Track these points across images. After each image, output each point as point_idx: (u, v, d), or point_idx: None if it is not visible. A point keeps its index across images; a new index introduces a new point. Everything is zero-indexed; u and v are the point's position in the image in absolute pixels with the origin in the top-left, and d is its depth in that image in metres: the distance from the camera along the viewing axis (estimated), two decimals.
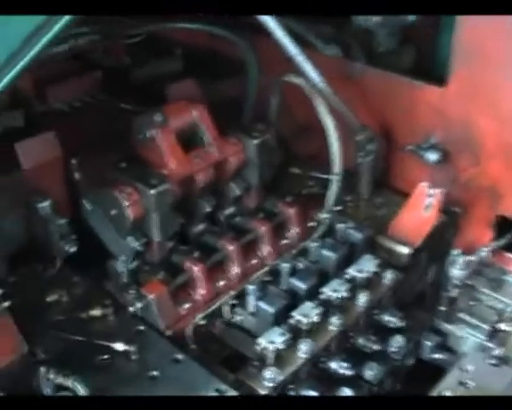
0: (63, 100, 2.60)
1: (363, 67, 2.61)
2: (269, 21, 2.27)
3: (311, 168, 2.74)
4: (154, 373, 1.89)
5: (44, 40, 1.63)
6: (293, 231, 2.41)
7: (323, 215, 2.39)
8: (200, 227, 2.36)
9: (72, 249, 2.22)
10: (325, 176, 2.54)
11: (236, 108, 2.75)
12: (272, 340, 1.93)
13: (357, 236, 2.32)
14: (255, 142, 2.36)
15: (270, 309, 2.06)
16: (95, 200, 2.20)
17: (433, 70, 2.63)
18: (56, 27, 1.62)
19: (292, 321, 2.02)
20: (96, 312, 2.06)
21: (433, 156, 2.44)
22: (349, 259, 2.26)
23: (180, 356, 1.94)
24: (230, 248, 2.23)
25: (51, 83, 2.59)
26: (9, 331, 1.94)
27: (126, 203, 2.09)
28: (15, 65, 1.64)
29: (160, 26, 2.85)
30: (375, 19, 2.51)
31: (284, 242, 2.39)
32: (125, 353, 1.93)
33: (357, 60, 2.63)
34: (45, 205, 2.21)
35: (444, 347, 2.32)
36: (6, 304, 1.95)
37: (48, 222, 2.20)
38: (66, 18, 1.61)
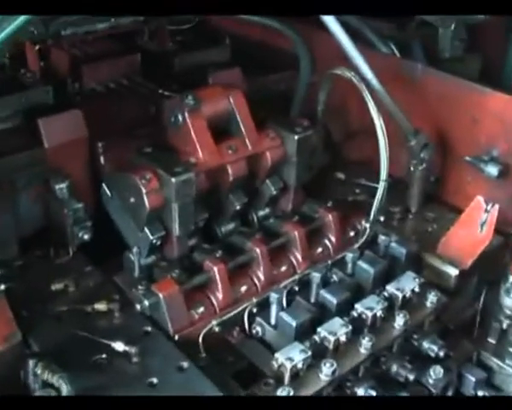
0: (98, 80, 2.42)
1: (422, 68, 2.36)
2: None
3: (359, 174, 2.53)
4: (154, 380, 1.67)
5: None
6: (331, 239, 2.17)
7: (365, 225, 2.13)
8: (228, 226, 2.15)
9: (87, 236, 2.05)
10: (371, 184, 2.31)
11: (285, 103, 2.56)
12: (291, 357, 1.69)
13: (400, 250, 2.07)
14: (296, 137, 2.12)
15: (292, 322, 1.81)
16: (114, 185, 2.01)
17: (500, 77, 2.35)
18: None
19: (317, 338, 1.77)
20: (102, 306, 1.87)
21: (493, 170, 2.17)
22: (389, 275, 2.02)
23: (185, 364, 1.71)
24: (257, 250, 2.00)
25: (87, 62, 2.42)
26: (3, 318, 1.75)
27: (144, 190, 1.87)
28: None
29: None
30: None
31: (319, 250, 2.16)
32: (125, 354, 1.72)
33: (416, 60, 2.38)
34: (63, 186, 2.04)
35: (489, 384, 2.01)
36: (2, 287, 1.76)
37: (63, 205, 2.03)
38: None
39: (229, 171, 2.03)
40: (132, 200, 1.92)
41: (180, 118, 1.99)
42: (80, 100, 2.34)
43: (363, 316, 1.85)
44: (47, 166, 2.06)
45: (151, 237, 1.93)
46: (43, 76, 2.32)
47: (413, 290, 1.94)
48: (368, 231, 2.13)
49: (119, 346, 1.73)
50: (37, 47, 2.35)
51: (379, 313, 1.86)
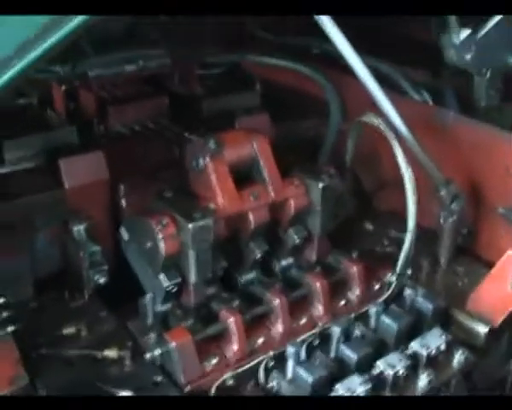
0: (124, 122, 2.38)
1: (454, 116, 2.28)
2: (351, 58, 1.99)
3: (389, 225, 2.46)
4: None
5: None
6: (355, 291, 2.09)
7: (391, 278, 2.04)
8: (249, 275, 2.07)
9: (102, 280, 2.00)
10: (400, 235, 2.19)
11: (313, 150, 2.51)
12: None
13: (426, 305, 1.98)
14: (320, 185, 2.05)
15: (308, 377, 1.72)
16: (132, 229, 1.96)
17: None
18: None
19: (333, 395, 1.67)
20: (112, 353, 1.81)
21: None
22: (414, 331, 1.93)
23: None
24: (276, 301, 1.92)
25: (114, 104, 2.39)
26: (10, 359, 1.71)
27: (160, 235, 1.82)
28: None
29: (241, 58, 2.66)
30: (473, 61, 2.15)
31: (342, 303, 2.08)
32: None
33: (449, 107, 2.30)
34: (80, 228, 2.02)
35: None
36: (10, 329, 1.72)
37: (80, 247, 2.00)
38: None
39: (250, 218, 1.97)
40: (149, 245, 1.86)
41: (201, 162, 1.94)
42: (105, 141, 2.32)
43: (384, 374, 1.76)
44: (66, 208, 2.03)
45: (166, 284, 1.87)
46: (69, 117, 2.32)
47: (439, 348, 1.84)
48: (394, 284, 2.04)
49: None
50: (63, 87, 2.33)
51: (401, 372, 1.76)
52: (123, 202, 2.13)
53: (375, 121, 2.07)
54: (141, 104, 2.42)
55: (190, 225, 1.80)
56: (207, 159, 1.93)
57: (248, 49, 2.70)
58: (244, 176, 2.01)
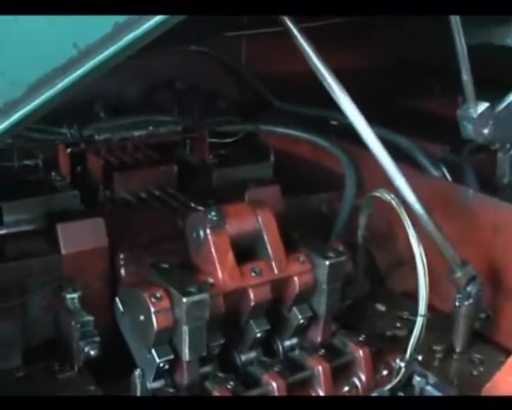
0: (130, 189, 2.36)
1: (474, 194, 2.19)
2: (364, 131, 1.93)
3: (402, 307, 2.35)
4: None
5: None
6: (360, 377, 1.98)
7: (400, 364, 1.92)
8: (249, 354, 1.98)
9: (93, 352, 1.91)
10: (414, 318, 2.07)
11: (325, 226, 2.44)
12: None
13: (437, 395, 1.84)
14: (327, 263, 1.96)
15: None
16: (126, 300, 1.88)
17: None
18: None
19: None
20: None
21: None
22: None
23: None
24: (273, 384, 1.82)
25: (120, 169, 2.37)
26: None
27: (153, 309, 1.74)
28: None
29: (256, 128, 2.62)
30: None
31: (346, 389, 1.97)
32: None
33: (468, 185, 2.22)
34: (74, 297, 1.94)
35: None
36: None
37: (72, 316, 1.92)
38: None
39: (251, 295, 1.88)
40: (141, 318, 1.78)
41: (202, 234, 1.87)
42: (108, 208, 2.28)
43: None
44: (61, 274, 1.98)
45: (158, 360, 1.78)
46: (73, 180, 2.29)
47: None
48: (402, 370, 1.92)
49: None
50: (69, 150, 2.29)
51: None
52: (122, 272, 2.06)
53: (387, 197, 1.99)
54: (148, 171, 2.39)
55: (184, 300, 1.72)
56: (208, 231, 1.86)
57: (264, 119, 2.68)
58: (246, 250, 1.93)
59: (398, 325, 2.27)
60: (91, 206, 2.24)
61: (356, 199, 2.42)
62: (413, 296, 2.28)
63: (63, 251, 1.99)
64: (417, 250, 1.91)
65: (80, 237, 2.01)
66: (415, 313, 2.15)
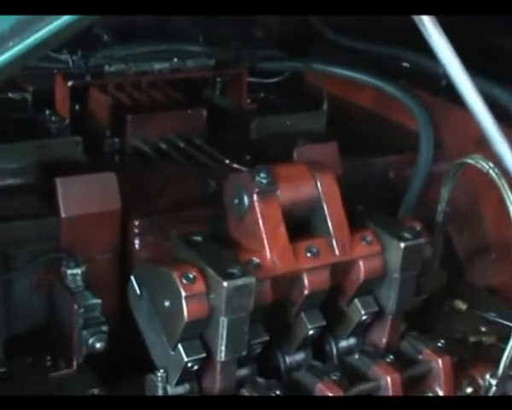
0: (146, 138, 2.37)
1: None
2: (459, 75, 1.93)
3: (488, 307, 2.40)
4: None
5: None
6: (438, 393, 2.02)
7: (490, 380, 1.96)
8: (296, 356, 2.03)
9: (99, 345, 1.94)
10: (505, 322, 2.23)
11: (392, 197, 2.49)
12: None
13: None
14: (402, 245, 1.99)
15: None
16: (146, 281, 1.90)
17: None
18: None
19: None
20: None
21: None
22: None
23: None
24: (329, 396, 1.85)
25: (134, 111, 2.38)
26: None
27: (184, 293, 1.76)
28: None
29: (306, 67, 2.63)
30: None
31: None
32: None
33: None
34: (77, 273, 1.97)
35: None
36: None
37: (74, 297, 1.95)
38: None
39: (305, 281, 1.91)
40: (167, 304, 1.81)
41: (246, 201, 1.90)
42: (119, 160, 2.30)
43: None
44: (60, 243, 2.02)
45: (186, 359, 1.81)
46: (74, 123, 2.30)
47: None
48: (493, 389, 1.97)
49: None
50: (70, 83, 2.30)
51: None
52: (136, 243, 2.11)
53: (485, 166, 2.01)
54: (170, 116, 2.41)
55: (225, 284, 1.74)
56: (255, 197, 1.88)
57: (316, 55, 2.68)
58: (301, 224, 1.97)
59: (484, 329, 2.31)
60: (96, 157, 2.26)
61: (433, 165, 2.43)
62: (501, 293, 2.37)
63: (63, 214, 2.01)
64: None
65: (85, 197, 2.03)
66: (505, 314, 2.23)
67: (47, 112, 2.29)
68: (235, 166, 2.25)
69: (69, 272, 1.95)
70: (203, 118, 2.43)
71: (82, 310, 1.92)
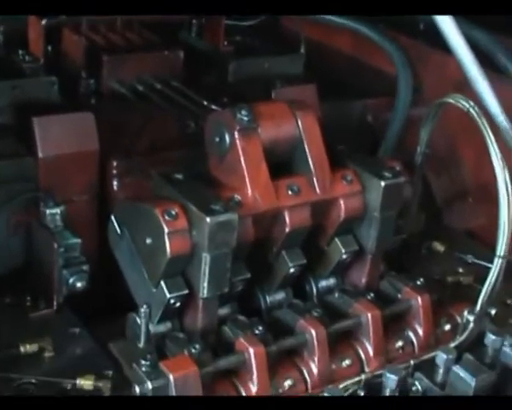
0: (122, 79, 2.39)
1: None
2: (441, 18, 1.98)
3: (465, 249, 2.45)
4: None
5: None
6: (417, 331, 2.07)
7: (468, 317, 2.01)
8: (277, 295, 2.07)
9: (80, 285, 1.97)
10: (482, 262, 2.26)
11: (370, 140, 2.54)
12: None
13: None
14: (382, 184, 2.02)
15: None
16: (127, 220, 1.93)
17: None
18: None
19: None
20: (87, 383, 1.77)
21: None
22: (497, 392, 1.91)
23: None
24: (312, 332, 1.89)
25: (110, 53, 2.40)
26: None
27: (167, 229, 1.78)
28: None
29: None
30: None
31: (399, 344, 2.06)
32: None
33: None
34: (56, 212, 1.99)
35: None
36: None
37: (54, 237, 1.97)
38: None
39: (287, 219, 1.95)
40: (148, 241, 1.84)
41: (228, 139, 1.92)
42: (95, 102, 2.31)
43: None
44: (38, 184, 2.03)
45: (168, 296, 1.84)
46: (48, 63, 2.30)
47: None
48: (471, 325, 2.02)
49: None
50: (43, 22, 2.30)
51: None
52: (114, 185, 2.13)
53: (465, 104, 2.04)
54: (146, 57, 2.43)
55: (208, 220, 1.77)
56: (236, 135, 1.90)
57: None
58: (281, 163, 1.99)
59: (461, 270, 2.36)
60: (72, 98, 2.28)
61: (412, 109, 2.47)
62: (478, 236, 2.41)
63: (40, 154, 2.03)
64: (501, 174, 1.97)
65: (62, 137, 2.05)
66: (481, 256, 2.28)
67: (20, 52, 2.29)
68: (214, 107, 2.28)
69: (48, 211, 1.98)
70: (180, 59, 2.45)
71: (62, 249, 1.95)
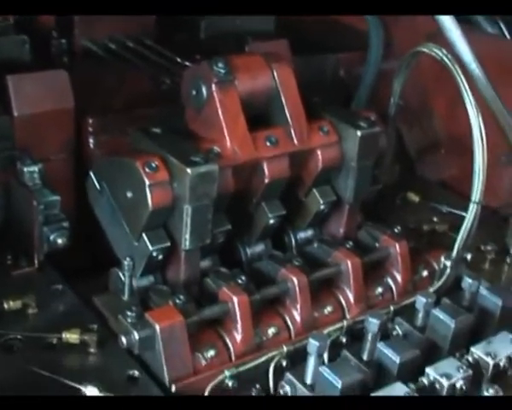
0: (95, 38, 2.40)
1: None
2: None
3: (438, 199, 2.50)
4: None
5: None
6: (396, 277, 2.11)
7: (445, 262, 2.05)
8: (256, 247, 2.10)
9: (61, 241, 1.99)
10: (456, 211, 2.30)
11: (343, 94, 2.56)
12: None
13: (493, 302, 1.98)
14: (359, 134, 2.05)
15: (337, 382, 1.70)
16: (106, 175, 1.94)
17: None
18: None
19: None
20: (73, 336, 1.80)
21: None
22: (475, 334, 1.94)
23: None
24: (294, 281, 1.92)
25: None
26: None
27: (148, 182, 1.80)
28: None
29: None
30: None
31: (378, 291, 2.09)
32: None
33: None
34: (34, 170, 2.00)
35: None
36: None
37: (33, 195, 1.98)
38: None
39: (266, 170, 1.97)
40: (129, 195, 1.86)
41: (205, 92, 1.93)
42: (68, 61, 2.31)
43: (437, 386, 1.75)
44: (14, 142, 2.03)
45: (151, 248, 1.86)
46: (18, 22, 2.27)
47: (510, 358, 1.85)
48: (448, 270, 2.06)
49: (91, 392, 1.65)
50: None
51: (459, 384, 1.76)
52: (91, 143, 2.13)
53: (439, 53, 2.07)
54: (118, 16, 2.39)
55: (189, 171, 1.79)
56: (213, 87, 1.92)
57: None
58: (259, 115, 2.01)
59: (436, 219, 2.41)
60: (45, 57, 2.27)
61: (383, 63, 2.50)
62: (450, 186, 2.46)
63: (15, 112, 2.03)
64: (475, 121, 2.01)
65: (37, 95, 2.05)
66: (454, 205, 2.33)
67: None
68: (187, 64, 2.29)
69: (26, 169, 1.98)
70: (151, 18, 2.45)
71: (41, 207, 1.96)
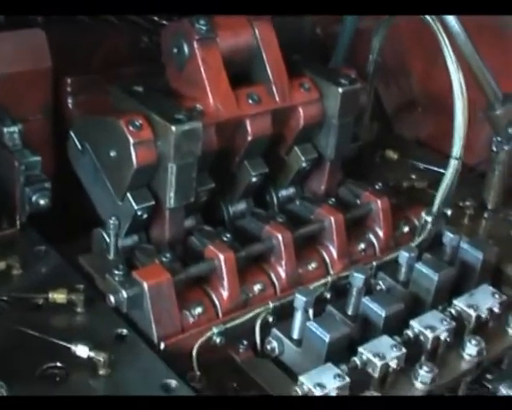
0: None
1: None
2: None
3: (416, 156, 2.53)
4: None
5: None
6: (378, 233, 2.13)
7: (426, 218, 2.08)
8: (239, 205, 2.12)
9: (43, 202, 1.98)
10: (435, 168, 2.34)
11: (320, 52, 2.54)
12: (321, 383, 1.61)
13: (474, 255, 2.02)
14: (340, 90, 2.06)
15: (325, 336, 1.73)
16: (87, 135, 1.94)
17: None
18: None
19: (357, 360, 1.70)
20: (60, 296, 1.80)
21: None
22: (457, 288, 1.98)
23: (173, 383, 1.64)
24: (278, 237, 1.94)
25: None
26: None
27: (132, 140, 1.80)
28: None
29: None
30: None
31: (361, 247, 2.12)
32: (90, 363, 1.64)
33: None
34: (13, 130, 1.99)
35: None
36: None
37: (13, 155, 1.97)
38: None
39: (248, 128, 1.98)
40: (113, 154, 1.86)
41: (186, 49, 1.93)
42: (43, 21, 2.29)
43: (422, 338, 1.79)
44: None
45: (136, 207, 1.86)
46: None
47: (491, 310, 1.88)
48: (429, 226, 2.09)
49: (81, 351, 1.65)
50: None
51: (443, 336, 1.79)
52: (69, 101, 2.13)
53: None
54: None
55: (174, 129, 1.79)
56: (195, 45, 1.92)
57: None
58: (241, 72, 2.02)
59: (415, 176, 2.44)
60: (18, 17, 2.25)
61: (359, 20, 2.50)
62: (428, 145, 2.48)
63: None
64: (455, 76, 2.02)
65: (15, 54, 2.04)
66: (432, 163, 2.36)
67: None
68: (164, 22, 2.28)
69: (6, 130, 1.97)
70: None
71: (23, 167, 1.95)
